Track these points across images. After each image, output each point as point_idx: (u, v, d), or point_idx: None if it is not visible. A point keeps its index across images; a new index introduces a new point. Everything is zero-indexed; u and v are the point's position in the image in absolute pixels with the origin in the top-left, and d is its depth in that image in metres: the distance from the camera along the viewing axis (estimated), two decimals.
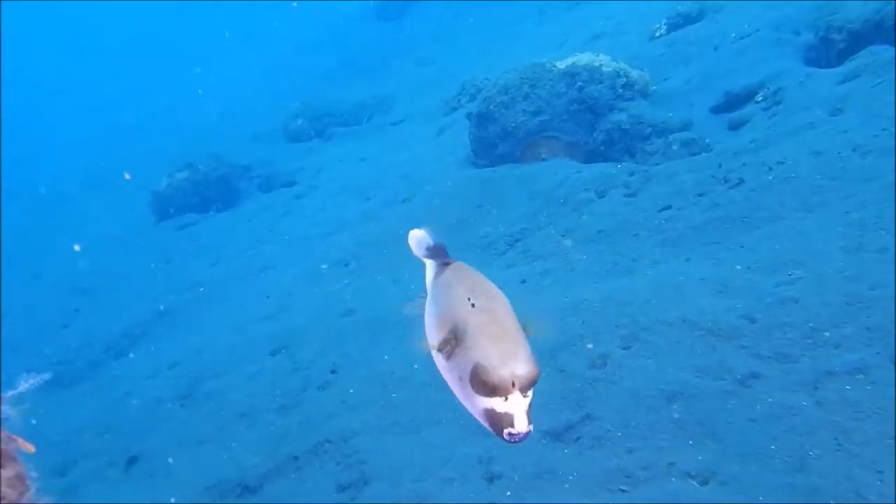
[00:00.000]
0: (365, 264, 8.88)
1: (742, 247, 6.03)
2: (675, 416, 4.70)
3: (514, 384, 1.57)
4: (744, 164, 6.88)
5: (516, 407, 1.58)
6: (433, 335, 1.81)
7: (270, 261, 9.71)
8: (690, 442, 4.49)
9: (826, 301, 4.92)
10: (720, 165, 7.12)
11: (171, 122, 21.20)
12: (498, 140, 9.38)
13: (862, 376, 4.27)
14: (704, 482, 4.15)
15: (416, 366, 6.28)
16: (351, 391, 6.35)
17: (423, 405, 5.81)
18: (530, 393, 1.61)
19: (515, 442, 1.59)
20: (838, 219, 5.59)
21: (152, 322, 8.77)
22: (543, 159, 9.08)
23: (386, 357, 6.70)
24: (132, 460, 6.10)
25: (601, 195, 7.91)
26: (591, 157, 8.83)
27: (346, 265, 9.01)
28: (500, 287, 6.45)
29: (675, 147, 8.00)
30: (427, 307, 1.95)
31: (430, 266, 2.16)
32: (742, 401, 4.57)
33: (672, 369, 5.07)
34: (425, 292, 2.12)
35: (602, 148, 8.69)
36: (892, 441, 3.80)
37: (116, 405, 7.17)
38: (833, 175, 6.01)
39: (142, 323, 8.82)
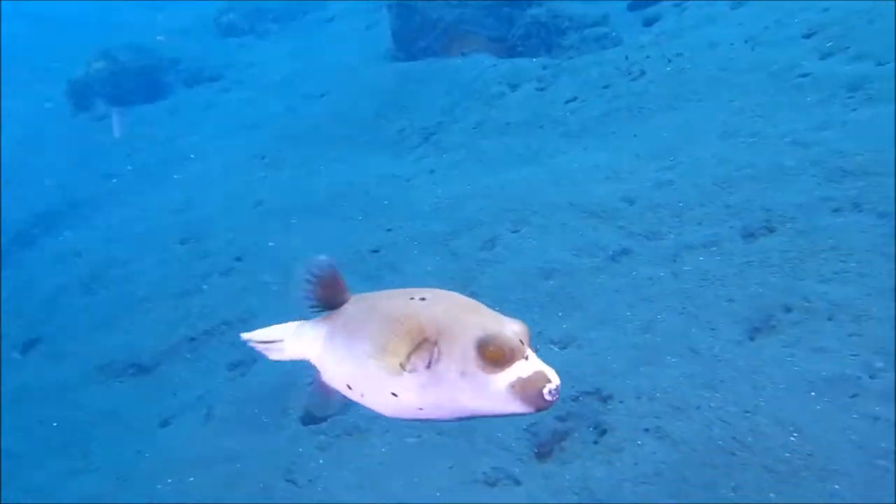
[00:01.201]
0: (281, 157, 8.80)
1: (635, 136, 6.18)
2: (550, 291, 4.93)
3: (522, 342, 1.37)
4: (647, 57, 6.95)
5: (539, 362, 1.36)
6: (389, 366, 1.40)
7: (188, 153, 9.55)
8: (560, 314, 4.74)
9: (697, 183, 5.14)
10: (626, 58, 7.18)
11: (100, 12, 20.01)
12: (419, 34, 9.22)
13: (715, 248, 4.53)
14: (564, 347, 4.42)
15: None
16: (254, 277, 6.44)
17: None
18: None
19: (554, 401, 1.34)
20: (723, 107, 5.76)
21: (63, 212, 8.64)
22: (463, 54, 8.98)
23: (292, 244, 6.78)
24: (30, 343, 6.16)
25: (514, 89, 7.93)
26: (509, 51, 8.76)
27: (263, 157, 8.92)
28: (411, 177, 6.47)
29: (588, 41, 8.00)
30: (348, 351, 1.50)
31: (316, 322, 1.63)
32: (610, 275, 4.82)
33: (553, 249, 5.28)
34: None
35: (520, 42, 8.62)
36: (728, 303, 4.09)
37: (19, 292, 7.15)
38: (724, 66, 6.13)
39: (52, 213, 8.67)
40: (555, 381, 1.34)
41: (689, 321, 4.13)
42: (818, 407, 3.32)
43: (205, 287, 6.51)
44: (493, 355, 1.34)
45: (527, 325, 1.40)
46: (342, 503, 3.58)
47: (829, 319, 3.71)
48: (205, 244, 7.33)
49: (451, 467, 3.78)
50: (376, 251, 6.15)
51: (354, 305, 1.57)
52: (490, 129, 7.54)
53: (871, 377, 3.36)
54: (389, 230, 6.38)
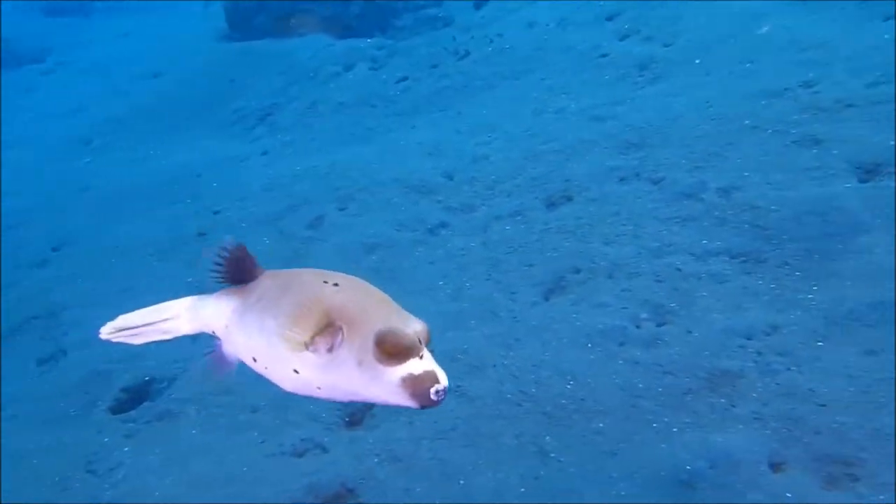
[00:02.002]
0: (109, 140, 8.36)
1: (459, 113, 6.42)
2: (372, 265, 5.04)
3: (420, 341, 1.43)
4: (472, 38, 7.21)
5: (432, 363, 1.43)
6: (298, 331, 1.46)
7: (6, 140, 8.83)
8: (379, 286, 4.85)
9: (509, 157, 5.43)
10: (454, 39, 7.40)
11: None
12: (253, 14, 9.00)
13: (520, 217, 4.82)
14: None
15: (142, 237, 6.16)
16: (69, 267, 6.09)
17: (141, 276, 5.73)
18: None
19: (440, 401, 1.42)
20: (535, 85, 6.10)
21: None
22: (299, 34, 8.88)
23: (115, 231, 6.48)
24: None
25: (348, 69, 7.97)
26: (345, 31, 8.77)
27: (90, 142, 8.43)
28: (244, 159, 6.34)
29: (421, 22, 8.16)
30: (258, 325, 1.54)
31: (222, 294, 1.67)
32: (428, 247, 5.00)
33: (377, 224, 5.40)
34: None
35: (355, 23, 8.65)
36: (527, 267, 4.37)
37: None
38: (538, 46, 6.48)
39: None
40: (443, 382, 1.41)
41: (493, 287, 4.38)
42: (592, 356, 3.65)
43: (16, 282, 6.08)
44: (390, 349, 1.40)
45: (428, 326, 1.46)
46: (141, 486, 3.51)
47: (609, 278, 4.07)
48: (19, 234, 6.84)
49: (262, 442, 3.81)
50: (202, 234, 6.01)
51: (269, 281, 1.60)
52: (324, 109, 7.54)
53: (636, 327, 3.73)
54: (217, 212, 6.27)
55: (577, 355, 3.69)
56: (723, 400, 3.25)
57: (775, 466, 2.93)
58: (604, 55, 5.92)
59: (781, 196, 3.95)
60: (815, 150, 4.10)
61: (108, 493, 3.51)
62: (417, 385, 1.40)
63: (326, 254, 5.30)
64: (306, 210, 5.86)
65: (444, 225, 5.14)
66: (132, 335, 1.76)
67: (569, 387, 3.56)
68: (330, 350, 1.44)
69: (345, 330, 1.43)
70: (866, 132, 4.06)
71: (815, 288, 3.50)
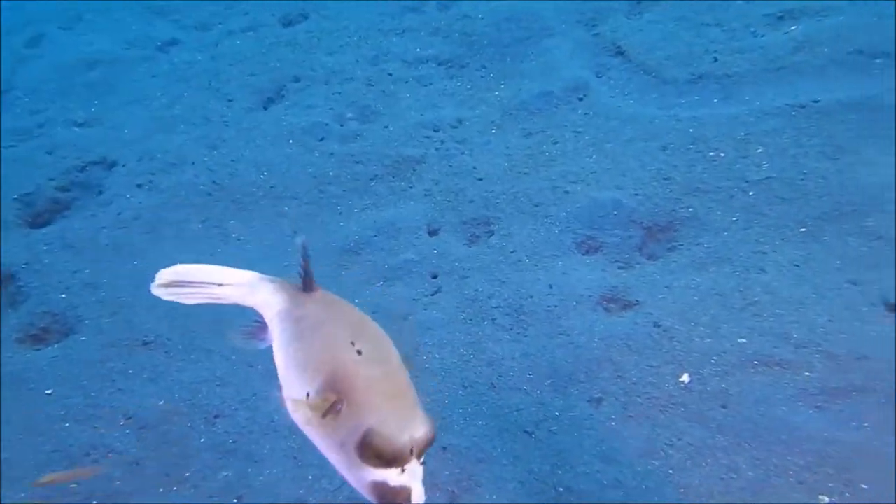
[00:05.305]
0: None
1: None
2: (90, 80, 4.63)
3: (412, 451, 1.27)
4: None
5: (413, 478, 1.29)
6: (299, 383, 1.40)
7: None
8: (95, 101, 4.47)
9: None
10: None
11: None
12: None
13: (252, 33, 4.60)
14: (89, 126, 4.21)
15: None
16: None
17: None
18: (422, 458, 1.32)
19: None
20: None
21: None
22: None
23: None
24: None
25: None
26: None
27: None
28: None
29: None
30: (284, 345, 1.49)
31: (278, 289, 1.59)
32: (153, 63, 4.66)
33: (103, 42, 4.95)
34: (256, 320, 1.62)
35: None
36: (249, 77, 4.22)
37: None
38: None
39: None
40: (416, 502, 1.29)
41: (212, 95, 4.19)
42: (290, 151, 3.62)
43: None
44: (370, 453, 1.28)
45: (434, 432, 1.32)
46: None
47: (325, 84, 4.02)
48: None
49: None
50: None
51: (313, 307, 1.51)
52: None
53: (340, 125, 3.74)
54: None
55: (277, 150, 3.64)
56: (402, 183, 3.36)
57: (431, 231, 3.10)
58: None
59: (489, 7, 4.07)
60: None
61: None
62: (387, 497, 1.30)
63: (40, 71, 4.79)
64: (26, 30, 5.25)
65: (174, 42, 4.81)
66: (187, 294, 1.66)
67: (262, 176, 3.52)
68: (323, 416, 1.36)
69: (342, 407, 1.34)
70: None
71: (501, 86, 3.68)
